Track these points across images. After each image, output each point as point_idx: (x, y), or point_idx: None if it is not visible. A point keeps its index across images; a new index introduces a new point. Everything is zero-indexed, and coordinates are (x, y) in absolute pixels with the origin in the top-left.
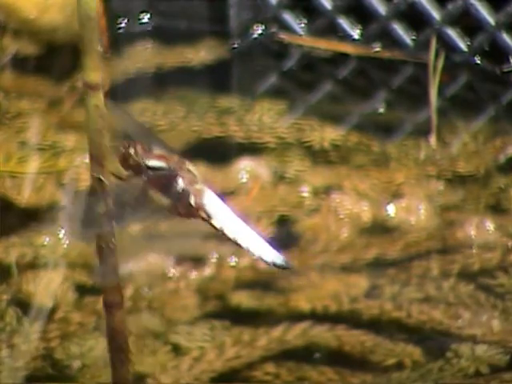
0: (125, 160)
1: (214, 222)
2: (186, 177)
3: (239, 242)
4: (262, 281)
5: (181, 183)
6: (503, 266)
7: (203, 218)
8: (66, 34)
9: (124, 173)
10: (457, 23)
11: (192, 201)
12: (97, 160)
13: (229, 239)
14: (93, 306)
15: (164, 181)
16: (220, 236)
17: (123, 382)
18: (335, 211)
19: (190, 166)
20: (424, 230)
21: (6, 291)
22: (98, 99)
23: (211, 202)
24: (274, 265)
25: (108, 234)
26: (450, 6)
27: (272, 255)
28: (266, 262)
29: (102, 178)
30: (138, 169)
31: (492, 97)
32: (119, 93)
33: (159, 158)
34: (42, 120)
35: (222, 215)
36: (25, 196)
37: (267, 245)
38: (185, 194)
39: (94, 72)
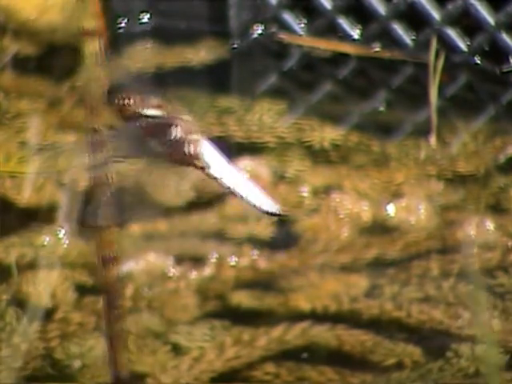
0: (122, 110)
1: (209, 171)
2: (182, 126)
3: (236, 190)
4: (261, 281)
5: (176, 132)
6: (503, 266)
7: (199, 167)
8: (66, 34)
9: (121, 124)
10: (457, 23)
11: (188, 149)
12: (93, 110)
13: (225, 188)
14: (93, 306)
15: (160, 129)
16: (221, 236)
17: (116, 337)
18: (335, 211)
19: (186, 115)
20: (424, 230)
21: (5, 291)
22: (96, 46)
23: (207, 152)
24: (269, 213)
25: (105, 190)
26: (449, 6)
27: (267, 204)
28: (261, 210)
29: (99, 128)
30: (135, 119)
31: (492, 97)
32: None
33: (156, 107)
34: (41, 120)
35: (218, 165)
36: (25, 196)
37: (262, 194)
38: (180, 143)
39: (93, 18)
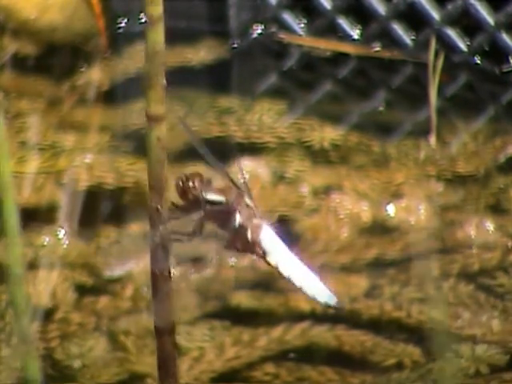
0: (183, 192)
1: (268, 258)
2: (244, 211)
3: (293, 280)
4: (261, 281)
5: (239, 218)
6: (503, 266)
7: (259, 254)
8: (66, 34)
9: (182, 205)
10: (456, 23)
11: (249, 236)
12: (156, 191)
13: (283, 276)
14: (92, 307)
15: (222, 215)
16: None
17: None
18: (335, 211)
19: (248, 199)
20: (424, 230)
21: (5, 291)
22: (161, 131)
23: (267, 238)
24: (327, 305)
25: (164, 266)
26: (449, 6)
27: (325, 295)
28: (318, 301)
29: (160, 209)
30: (197, 202)
31: (492, 97)
32: (119, 93)
33: (218, 191)
34: (41, 120)
35: (278, 252)
36: (24, 196)
37: (321, 284)
38: (242, 229)
39: (158, 104)
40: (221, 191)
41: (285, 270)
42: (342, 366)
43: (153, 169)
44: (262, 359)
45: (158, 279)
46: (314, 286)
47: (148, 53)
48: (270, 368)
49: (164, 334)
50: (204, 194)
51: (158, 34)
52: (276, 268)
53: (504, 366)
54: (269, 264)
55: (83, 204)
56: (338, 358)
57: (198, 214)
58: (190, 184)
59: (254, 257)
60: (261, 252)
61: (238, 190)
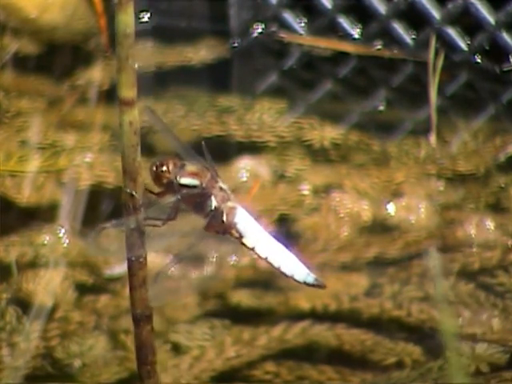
0: (157, 177)
1: (245, 240)
2: (218, 195)
3: (271, 260)
4: (261, 280)
5: (213, 201)
6: (503, 265)
7: (235, 237)
8: (66, 33)
9: (156, 189)
10: (457, 22)
11: (224, 218)
12: (130, 176)
13: (260, 257)
14: (92, 305)
15: (197, 199)
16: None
17: None
18: (335, 210)
19: (221, 183)
20: (424, 229)
21: (6, 290)
22: (133, 116)
23: (243, 220)
24: (306, 283)
25: (139, 251)
26: (449, 6)
27: (303, 274)
28: (297, 281)
29: (135, 194)
30: (171, 186)
31: (492, 96)
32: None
33: (192, 175)
34: (42, 119)
35: (254, 234)
36: (25, 195)
37: (298, 263)
38: (217, 212)
39: (129, 89)
40: (194, 175)
41: (262, 252)
42: (342, 365)
43: (126, 154)
44: (262, 358)
45: (134, 265)
46: (292, 266)
47: (118, 35)
48: (270, 367)
49: (141, 321)
50: (178, 178)
51: (128, 16)
52: (253, 250)
53: (504, 365)
54: (245, 246)
55: (83, 203)
56: (338, 357)
57: (172, 199)
58: (164, 168)
59: (232, 239)
60: (237, 234)
61: (211, 174)
